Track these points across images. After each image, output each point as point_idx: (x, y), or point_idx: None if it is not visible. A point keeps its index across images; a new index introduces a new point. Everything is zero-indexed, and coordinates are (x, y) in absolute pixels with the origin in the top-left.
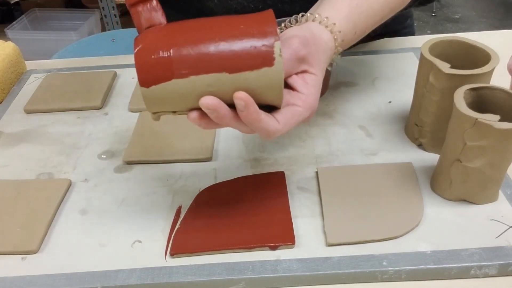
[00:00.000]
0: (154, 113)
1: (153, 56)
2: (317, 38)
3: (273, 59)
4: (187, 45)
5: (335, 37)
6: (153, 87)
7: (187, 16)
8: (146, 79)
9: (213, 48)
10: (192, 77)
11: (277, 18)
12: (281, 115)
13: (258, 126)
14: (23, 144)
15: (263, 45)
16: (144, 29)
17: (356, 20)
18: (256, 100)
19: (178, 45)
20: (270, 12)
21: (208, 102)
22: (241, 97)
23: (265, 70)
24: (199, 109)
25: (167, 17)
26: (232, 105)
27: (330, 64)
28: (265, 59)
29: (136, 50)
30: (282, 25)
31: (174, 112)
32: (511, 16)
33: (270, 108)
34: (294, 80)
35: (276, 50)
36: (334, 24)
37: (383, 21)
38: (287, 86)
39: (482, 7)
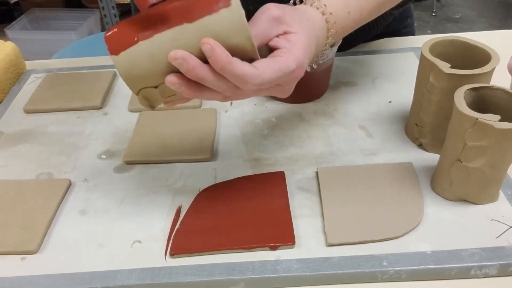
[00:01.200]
0: (138, 93)
1: (119, 28)
2: (297, 8)
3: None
4: (148, 13)
5: (327, 19)
6: (122, 53)
7: None
8: (114, 47)
9: (170, 6)
10: (156, 36)
11: None
12: (259, 62)
13: (232, 71)
14: (23, 144)
15: None
16: None
17: (349, 1)
18: (227, 49)
19: (140, 16)
20: None
21: (176, 54)
22: (206, 42)
23: (223, 11)
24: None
25: None
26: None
27: (326, 50)
28: (220, 0)
29: (105, 34)
30: None
31: (156, 87)
32: (511, 16)
33: None
34: (275, 41)
35: None
36: (325, 5)
37: (380, 10)
38: (271, 50)
39: (483, 7)
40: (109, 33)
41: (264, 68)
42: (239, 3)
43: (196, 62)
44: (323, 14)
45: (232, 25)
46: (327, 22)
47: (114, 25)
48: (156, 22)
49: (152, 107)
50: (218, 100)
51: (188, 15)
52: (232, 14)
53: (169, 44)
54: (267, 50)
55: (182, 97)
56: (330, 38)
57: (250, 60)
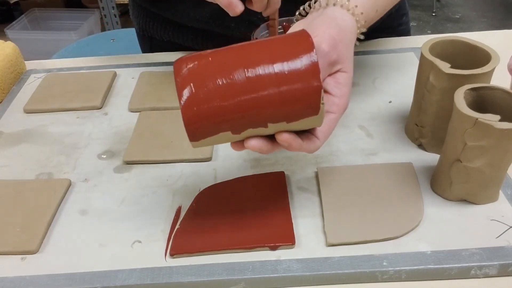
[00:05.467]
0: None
1: (200, 115)
2: (343, 30)
3: (319, 110)
4: (231, 100)
5: (357, 18)
6: (202, 140)
7: (185, 20)
8: (195, 136)
9: (256, 108)
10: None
11: (280, 18)
12: (320, 132)
13: (301, 151)
14: (23, 144)
15: (310, 100)
16: None
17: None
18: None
19: (222, 99)
20: (310, 55)
21: (253, 144)
22: (285, 140)
23: (309, 118)
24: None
25: (165, 23)
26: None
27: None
28: (311, 112)
29: (182, 102)
30: (297, 13)
31: None
32: (511, 16)
33: None
34: (326, 83)
35: (321, 101)
36: (356, 6)
37: (394, 2)
38: None
39: (483, 7)
40: (189, 115)
41: (325, 136)
42: (324, 109)
43: (270, 147)
44: (357, 21)
45: (312, 125)
46: (359, 28)
47: (185, 81)
48: (239, 119)
49: None
50: None
51: (274, 119)
52: (315, 119)
53: (248, 134)
54: None
55: None
56: (359, 30)
57: None
